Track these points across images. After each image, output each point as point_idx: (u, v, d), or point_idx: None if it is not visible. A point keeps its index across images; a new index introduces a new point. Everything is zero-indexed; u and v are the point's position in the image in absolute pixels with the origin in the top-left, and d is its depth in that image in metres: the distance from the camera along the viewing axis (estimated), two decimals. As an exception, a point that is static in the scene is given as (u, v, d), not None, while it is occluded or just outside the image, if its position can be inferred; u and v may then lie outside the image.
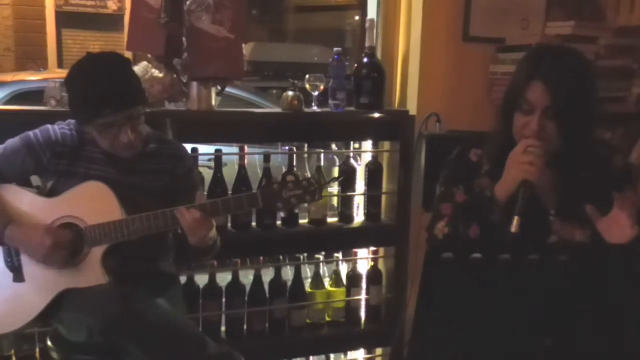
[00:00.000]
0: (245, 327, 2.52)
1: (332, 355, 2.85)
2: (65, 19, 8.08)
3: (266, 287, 2.54)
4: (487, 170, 1.68)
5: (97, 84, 1.77)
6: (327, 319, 2.66)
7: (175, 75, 2.28)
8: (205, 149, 2.52)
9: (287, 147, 2.53)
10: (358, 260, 2.70)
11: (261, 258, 2.59)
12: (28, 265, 1.85)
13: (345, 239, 2.62)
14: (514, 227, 1.46)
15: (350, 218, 2.62)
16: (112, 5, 8.27)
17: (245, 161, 2.44)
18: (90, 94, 1.77)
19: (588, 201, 1.57)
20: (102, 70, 1.79)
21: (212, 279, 2.45)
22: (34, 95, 3.63)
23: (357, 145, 2.69)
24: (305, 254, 2.66)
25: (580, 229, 1.59)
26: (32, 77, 4.68)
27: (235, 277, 2.49)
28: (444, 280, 1.20)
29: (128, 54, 3.38)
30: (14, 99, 4.27)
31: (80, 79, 1.80)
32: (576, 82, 1.56)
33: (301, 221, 2.57)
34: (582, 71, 1.60)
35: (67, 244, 1.80)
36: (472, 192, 1.67)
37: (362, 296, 2.68)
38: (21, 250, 1.85)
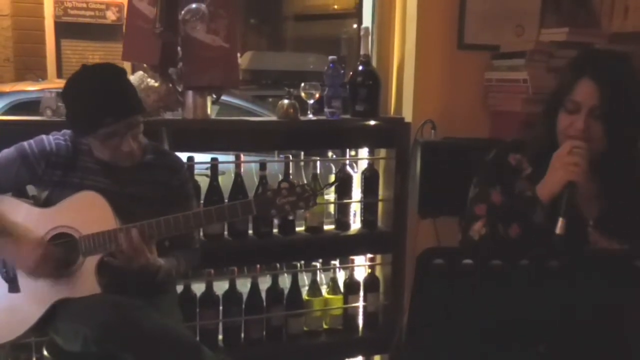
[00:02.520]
0: (242, 335, 2.51)
1: (330, 363, 2.84)
2: (65, 30, 8.12)
3: (263, 295, 2.54)
4: (528, 175, 1.66)
5: (96, 94, 1.78)
6: (325, 326, 2.66)
7: (170, 85, 2.29)
8: (202, 157, 2.53)
9: (283, 155, 2.54)
10: (355, 268, 2.70)
11: (258, 266, 2.59)
12: (23, 276, 1.85)
13: (342, 247, 2.63)
14: (559, 229, 1.44)
15: (346, 225, 2.62)
16: (111, 16, 8.31)
17: (242, 169, 2.45)
18: (90, 105, 1.78)
19: (628, 216, 1.56)
20: (99, 80, 1.81)
21: (209, 288, 2.45)
22: (33, 105, 3.63)
23: (353, 153, 2.70)
24: (303, 262, 2.66)
25: (618, 242, 1.57)
26: (31, 88, 4.69)
27: (232, 285, 2.49)
28: (435, 286, 1.20)
29: (126, 64, 3.39)
30: (12, 109, 4.28)
31: (78, 90, 1.81)
32: (626, 84, 1.55)
33: (298, 229, 2.57)
34: (632, 74, 1.59)
35: (56, 258, 1.80)
36: (512, 193, 1.65)
37: (360, 303, 2.68)
38: (10, 261, 1.84)
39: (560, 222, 1.45)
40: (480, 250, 1.58)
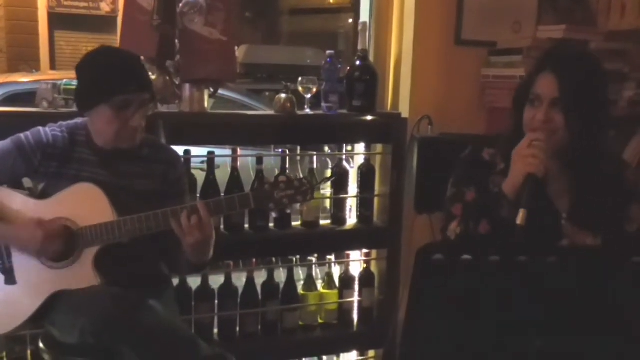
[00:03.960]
0: (237, 329, 2.51)
1: (324, 358, 2.85)
2: (58, 21, 8.08)
3: (259, 289, 2.54)
4: (502, 169, 1.68)
5: (121, 63, 1.84)
6: (320, 321, 2.67)
7: (168, 78, 2.28)
8: (198, 151, 2.52)
9: (280, 150, 2.53)
10: (350, 263, 2.70)
11: (254, 260, 2.59)
12: (20, 268, 1.84)
13: (338, 241, 2.63)
14: (519, 220, 1.47)
15: (342, 220, 2.63)
16: (105, 7, 8.27)
17: (238, 163, 2.44)
18: (115, 70, 1.81)
19: (600, 207, 1.59)
20: (122, 54, 1.89)
21: (204, 281, 2.45)
22: (26, 97, 3.62)
23: (349, 148, 2.70)
24: (298, 256, 2.66)
25: (592, 234, 1.60)
26: (24, 79, 4.67)
27: (228, 279, 2.49)
28: (434, 281, 1.20)
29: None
30: (6, 100, 4.26)
31: (102, 59, 1.86)
32: (586, 76, 1.59)
33: (294, 223, 2.57)
34: (594, 68, 1.62)
35: (59, 235, 1.80)
36: (487, 189, 1.67)
37: (355, 298, 2.69)
38: (14, 248, 1.85)
39: (521, 212, 1.47)
40: (457, 250, 1.60)
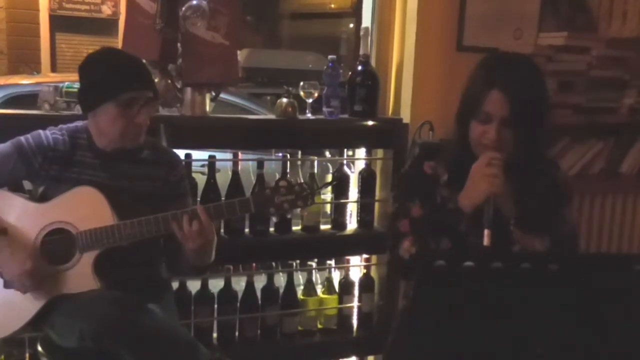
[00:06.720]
0: (237, 333, 2.51)
1: (323, 363, 2.84)
2: (59, 23, 8.08)
3: (258, 293, 2.53)
4: (445, 181, 1.69)
5: (125, 61, 1.87)
6: (319, 326, 2.66)
7: (169, 81, 2.28)
8: (199, 154, 2.52)
9: (280, 154, 2.53)
10: (350, 268, 2.70)
11: (254, 264, 2.58)
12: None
13: (338, 246, 2.63)
14: (486, 241, 1.49)
15: (343, 225, 2.62)
16: (106, 10, 8.28)
17: (239, 167, 2.44)
18: (120, 68, 1.83)
19: (544, 211, 1.62)
20: (124, 54, 1.92)
21: (204, 285, 2.44)
22: (27, 99, 3.62)
23: (350, 153, 2.70)
24: (298, 261, 2.66)
25: (539, 238, 1.62)
26: (25, 81, 4.66)
27: (228, 283, 2.49)
28: (434, 288, 1.20)
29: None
30: (6, 102, 4.26)
31: (106, 58, 1.88)
32: (533, 91, 1.60)
33: (294, 228, 2.56)
34: (537, 80, 1.63)
35: (42, 274, 1.78)
36: (433, 205, 1.67)
37: (355, 303, 2.68)
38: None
39: (486, 233, 1.50)
40: (413, 269, 1.57)
